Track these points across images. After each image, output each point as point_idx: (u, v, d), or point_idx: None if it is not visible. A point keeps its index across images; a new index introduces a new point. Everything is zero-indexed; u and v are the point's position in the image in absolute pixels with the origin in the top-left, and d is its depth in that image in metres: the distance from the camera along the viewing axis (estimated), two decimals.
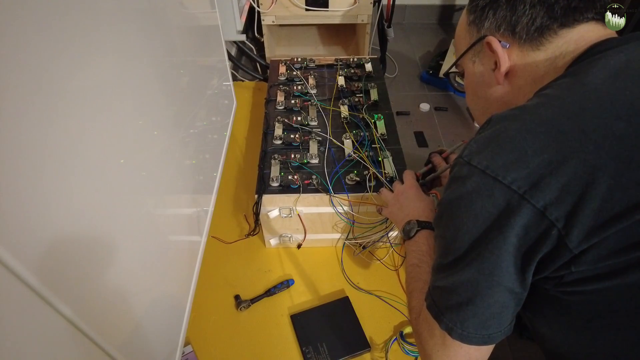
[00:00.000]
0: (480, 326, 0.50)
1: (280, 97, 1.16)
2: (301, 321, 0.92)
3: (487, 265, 0.47)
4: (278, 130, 1.06)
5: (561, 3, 0.52)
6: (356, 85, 1.18)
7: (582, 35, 0.53)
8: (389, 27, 1.89)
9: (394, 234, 0.95)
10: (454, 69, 0.68)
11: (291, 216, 0.96)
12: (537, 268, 0.47)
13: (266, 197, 0.92)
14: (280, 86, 1.20)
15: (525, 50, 0.56)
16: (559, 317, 0.51)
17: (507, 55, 0.57)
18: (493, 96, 0.61)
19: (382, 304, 0.95)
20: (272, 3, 1.60)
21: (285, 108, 1.13)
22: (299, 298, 0.97)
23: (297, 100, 1.14)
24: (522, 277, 0.47)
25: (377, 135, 1.03)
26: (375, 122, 1.06)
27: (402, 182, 0.87)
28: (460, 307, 0.50)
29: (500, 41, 0.56)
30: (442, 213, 0.54)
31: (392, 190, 0.87)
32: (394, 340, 0.89)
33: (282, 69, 1.26)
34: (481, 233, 0.47)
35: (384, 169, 0.95)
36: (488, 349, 0.53)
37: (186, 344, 0.88)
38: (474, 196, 0.47)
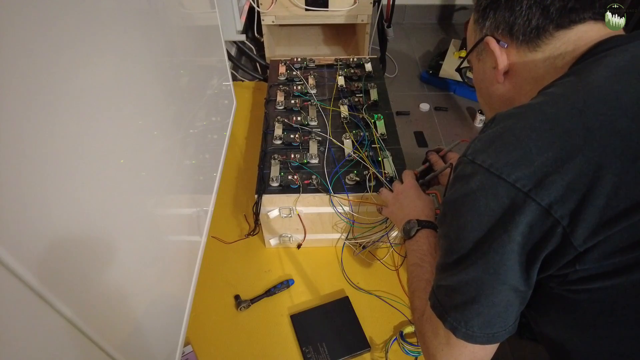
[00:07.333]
0: (485, 325, 0.50)
1: (280, 97, 1.16)
2: (301, 321, 0.92)
3: (491, 264, 0.47)
4: (278, 130, 1.06)
5: (557, 5, 0.52)
6: (356, 85, 1.18)
7: (580, 35, 0.53)
8: (388, 27, 1.89)
9: (394, 233, 0.95)
10: (466, 64, 0.69)
11: (291, 216, 0.96)
12: (542, 266, 0.47)
13: (266, 197, 0.92)
14: (280, 86, 1.20)
15: (522, 51, 0.56)
16: (564, 315, 0.51)
17: (505, 54, 0.57)
18: (496, 93, 0.62)
19: (382, 304, 0.95)
20: (272, 3, 1.60)
21: (285, 108, 1.13)
22: (299, 298, 0.97)
23: (297, 100, 1.14)
24: (526, 275, 0.47)
25: (377, 135, 1.03)
26: (375, 122, 1.06)
27: (402, 182, 0.87)
28: (464, 306, 0.50)
29: (499, 41, 0.57)
30: (446, 212, 0.54)
31: (391, 190, 0.87)
32: (394, 340, 0.89)
33: (282, 69, 1.26)
34: (486, 232, 0.47)
35: (384, 169, 0.95)
36: (492, 348, 0.53)
37: (186, 344, 0.88)
38: (478, 195, 0.47)
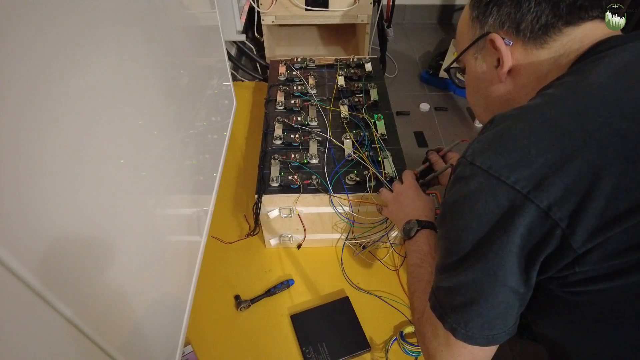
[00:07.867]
0: (485, 327, 0.50)
1: (280, 97, 1.16)
2: (301, 321, 0.92)
3: (490, 265, 0.47)
4: (278, 130, 1.06)
5: (567, 1, 0.52)
6: (356, 85, 1.18)
7: (587, 33, 0.53)
8: (388, 27, 1.89)
9: (394, 234, 0.95)
10: (455, 65, 0.67)
11: (291, 216, 0.96)
12: (541, 268, 0.47)
13: (266, 197, 0.92)
14: (280, 86, 1.20)
15: (529, 49, 0.55)
16: (563, 317, 0.50)
17: (510, 53, 0.56)
18: (494, 94, 0.60)
19: (382, 304, 0.95)
20: (272, 3, 1.60)
21: (285, 108, 1.13)
22: (299, 298, 0.97)
23: (297, 100, 1.14)
24: (526, 277, 0.47)
25: (377, 135, 1.03)
26: (375, 122, 1.06)
27: (402, 182, 0.87)
28: (464, 307, 0.50)
29: (503, 38, 0.56)
30: (445, 213, 0.53)
31: (391, 190, 0.87)
32: (394, 340, 0.89)
33: (282, 69, 1.26)
34: (485, 233, 0.47)
35: (384, 169, 0.95)
36: (492, 349, 0.52)
37: (186, 344, 0.88)
38: (477, 196, 0.47)
